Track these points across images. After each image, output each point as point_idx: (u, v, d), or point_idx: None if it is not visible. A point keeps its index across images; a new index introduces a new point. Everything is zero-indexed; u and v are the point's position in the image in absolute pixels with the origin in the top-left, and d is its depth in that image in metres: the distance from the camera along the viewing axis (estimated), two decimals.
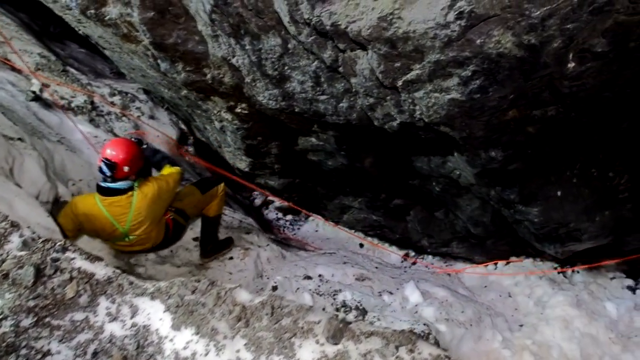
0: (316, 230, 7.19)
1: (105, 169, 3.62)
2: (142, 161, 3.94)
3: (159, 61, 4.38)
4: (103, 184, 3.73)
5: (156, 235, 4.14)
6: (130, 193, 3.77)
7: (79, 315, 2.34)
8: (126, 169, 3.71)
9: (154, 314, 2.41)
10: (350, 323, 2.41)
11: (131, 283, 2.54)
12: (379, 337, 2.34)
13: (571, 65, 3.05)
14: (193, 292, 2.47)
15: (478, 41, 2.86)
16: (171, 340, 2.31)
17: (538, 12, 2.67)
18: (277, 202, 7.22)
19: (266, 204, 7.38)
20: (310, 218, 7.17)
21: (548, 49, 2.88)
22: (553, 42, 2.85)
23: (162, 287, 2.52)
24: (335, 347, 2.27)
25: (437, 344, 4.66)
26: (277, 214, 7.31)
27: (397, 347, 2.28)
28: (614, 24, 2.79)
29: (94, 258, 2.67)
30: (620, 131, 3.93)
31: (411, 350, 2.29)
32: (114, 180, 3.70)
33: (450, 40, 2.88)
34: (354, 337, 2.33)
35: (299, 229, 7.17)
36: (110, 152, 3.66)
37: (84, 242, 3.95)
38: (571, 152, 4.12)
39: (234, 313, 2.37)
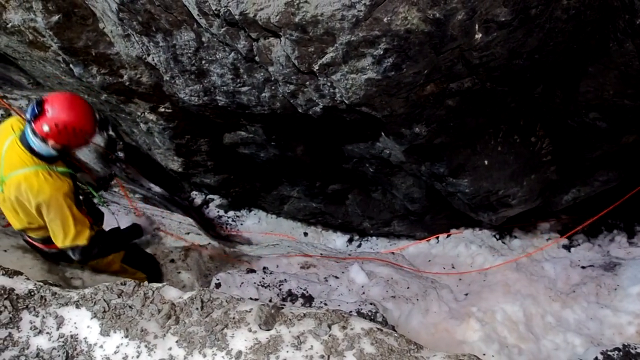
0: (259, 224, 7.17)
1: (31, 107, 2.78)
2: (79, 141, 2.95)
3: (71, 66, 4.21)
4: (27, 127, 2.87)
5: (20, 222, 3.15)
6: (30, 160, 2.89)
7: (1, 333, 2.23)
8: (46, 128, 2.77)
9: (81, 322, 2.34)
10: (282, 308, 2.41)
11: (54, 294, 2.45)
12: (312, 318, 2.36)
13: (478, 36, 3.14)
14: (119, 295, 2.41)
15: (385, 19, 2.90)
16: (101, 346, 2.25)
17: None
18: (217, 199, 7.14)
19: (206, 202, 7.26)
20: (252, 212, 7.13)
21: (453, 21, 2.96)
22: (457, 15, 2.92)
23: (86, 294, 2.44)
24: (268, 332, 2.27)
25: (384, 321, 4.73)
26: (218, 211, 7.22)
27: (329, 326, 2.30)
28: None
29: (12, 273, 2.55)
30: (535, 96, 4.08)
31: (344, 327, 2.32)
32: (32, 129, 2.82)
33: (358, 20, 2.90)
34: (287, 321, 2.33)
35: (241, 224, 7.11)
36: (52, 99, 2.80)
37: (7, 260, 3.75)
38: (492, 121, 4.25)
39: (163, 311, 2.33)
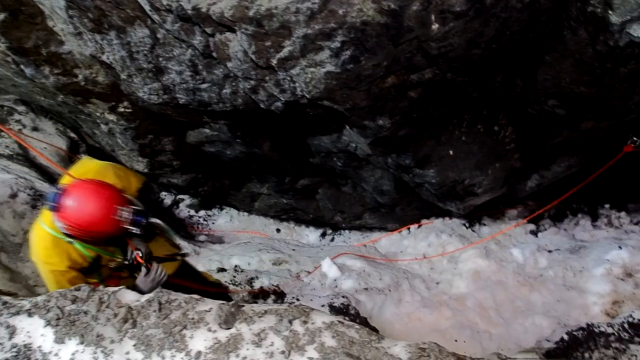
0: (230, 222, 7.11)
1: (49, 197, 2.55)
2: (100, 239, 2.71)
3: (22, 67, 4.08)
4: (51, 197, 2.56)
5: None
6: (50, 221, 2.66)
7: None
8: (60, 225, 2.57)
9: (34, 331, 2.27)
10: (242, 306, 2.38)
11: (5, 303, 2.37)
12: (273, 315, 2.33)
13: (435, 26, 3.15)
14: (73, 301, 2.34)
15: (340, 11, 2.89)
16: (56, 354, 2.19)
17: None
18: (187, 199, 7.04)
19: (176, 203, 7.16)
20: (224, 210, 7.06)
21: (409, 12, 2.96)
22: (412, 5, 2.93)
23: (39, 302, 2.37)
24: (228, 331, 2.24)
25: (357, 314, 4.75)
26: (189, 211, 7.13)
27: (290, 321, 2.28)
28: None
29: None
30: (496, 86, 4.12)
31: (305, 322, 2.30)
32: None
33: (313, 13, 2.89)
34: (247, 318, 2.30)
35: (213, 223, 7.04)
36: (72, 192, 2.50)
37: None
38: (456, 111, 4.28)
39: (119, 315, 2.28)
